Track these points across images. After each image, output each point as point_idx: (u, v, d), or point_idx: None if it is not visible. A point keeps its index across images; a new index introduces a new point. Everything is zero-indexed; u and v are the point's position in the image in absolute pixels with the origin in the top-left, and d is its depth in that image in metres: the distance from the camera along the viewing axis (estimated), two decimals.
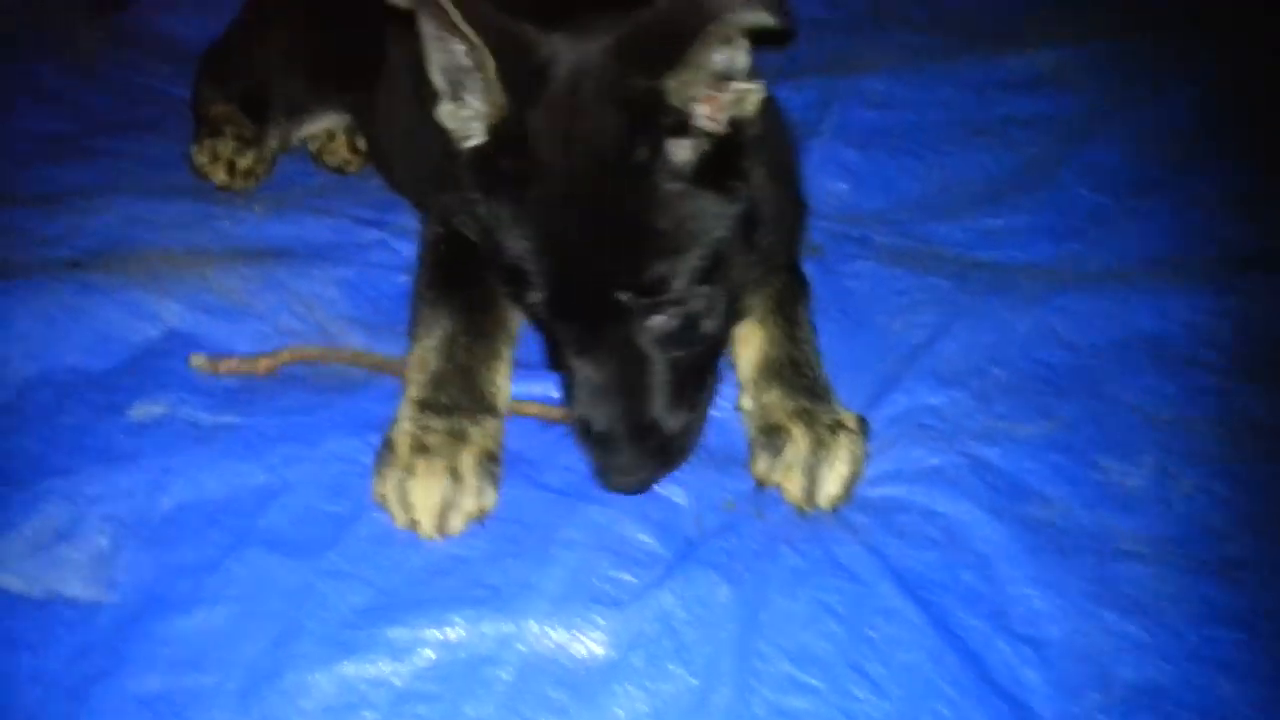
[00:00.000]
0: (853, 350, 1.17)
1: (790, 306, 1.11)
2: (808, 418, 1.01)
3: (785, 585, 0.91)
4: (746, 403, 1.07)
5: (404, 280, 1.26)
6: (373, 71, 1.40)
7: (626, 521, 0.96)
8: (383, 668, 0.84)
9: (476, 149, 0.96)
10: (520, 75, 0.90)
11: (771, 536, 0.96)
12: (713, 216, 0.92)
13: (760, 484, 1.01)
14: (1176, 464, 1.04)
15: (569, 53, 0.92)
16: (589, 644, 0.87)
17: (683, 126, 0.89)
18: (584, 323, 0.95)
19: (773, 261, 1.09)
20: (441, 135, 0.99)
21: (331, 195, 1.46)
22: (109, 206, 1.35)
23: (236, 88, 1.50)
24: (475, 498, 0.94)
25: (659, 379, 0.95)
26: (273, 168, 1.49)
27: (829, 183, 1.48)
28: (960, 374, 1.13)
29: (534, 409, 1.04)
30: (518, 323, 1.07)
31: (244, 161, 1.43)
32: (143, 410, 1.05)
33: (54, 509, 0.97)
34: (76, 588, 0.92)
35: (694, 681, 0.84)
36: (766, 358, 1.07)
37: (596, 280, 0.91)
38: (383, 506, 0.94)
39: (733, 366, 1.10)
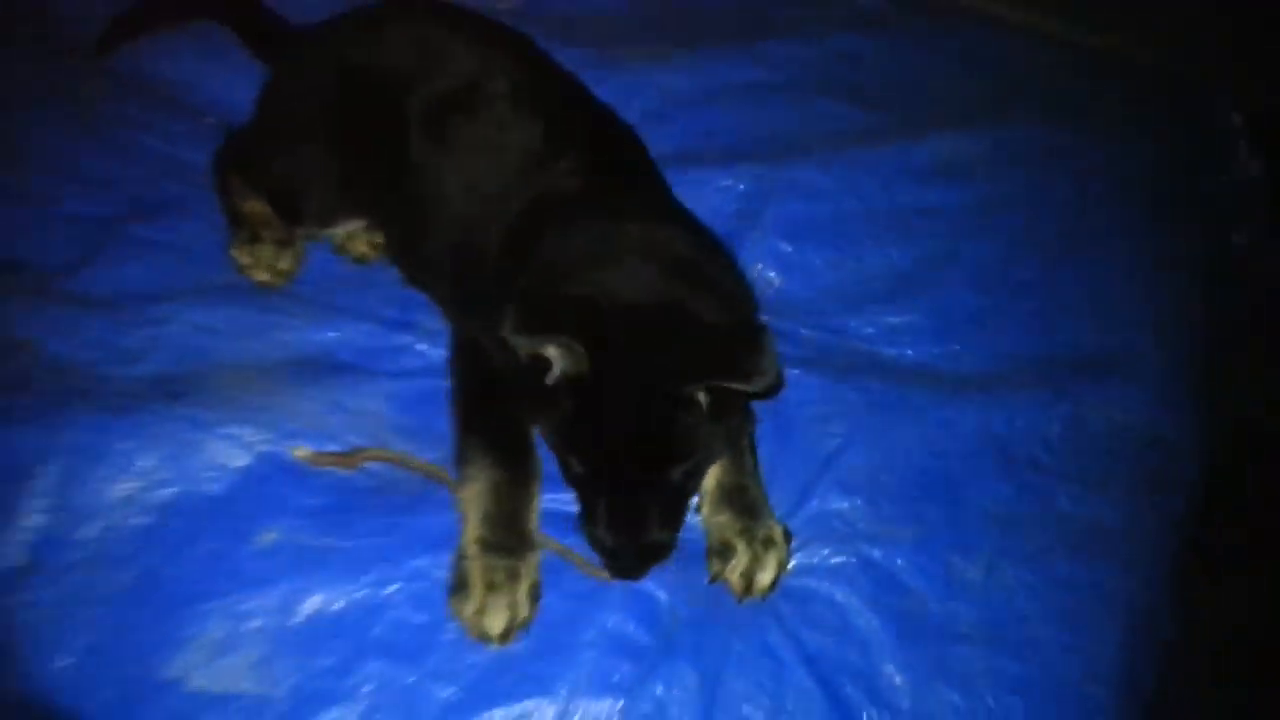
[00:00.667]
0: (781, 456, 1.58)
1: (746, 442, 1.52)
2: (748, 535, 1.44)
3: (734, 668, 1.36)
4: (705, 513, 1.49)
5: (433, 384, 1.61)
6: (395, 186, 1.67)
7: (627, 620, 1.39)
8: None
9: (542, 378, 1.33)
10: (594, 347, 1.28)
11: (726, 626, 1.41)
12: (715, 435, 1.35)
13: (713, 579, 1.45)
14: (1002, 559, 1.51)
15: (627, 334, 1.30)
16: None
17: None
18: (615, 494, 1.35)
19: None
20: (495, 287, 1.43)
21: (359, 290, 1.73)
22: (176, 315, 1.61)
23: (267, 189, 1.74)
24: (527, 616, 1.35)
25: (661, 514, 1.36)
26: (303, 260, 1.76)
27: (766, 272, 1.83)
28: (859, 483, 1.56)
29: (555, 545, 1.44)
30: (542, 468, 1.45)
31: (283, 264, 1.70)
32: (264, 537, 1.41)
33: (215, 625, 1.34)
34: (248, 685, 1.33)
35: None
36: (720, 485, 1.49)
37: (629, 477, 1.33)
38: (459, 621, 1.35)
39: None
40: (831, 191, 1.91)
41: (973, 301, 1.81)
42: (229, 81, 1.98)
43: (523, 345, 1.32)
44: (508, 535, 1.37)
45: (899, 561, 1.49)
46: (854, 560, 1.49)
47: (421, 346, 1.67)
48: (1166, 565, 1.55)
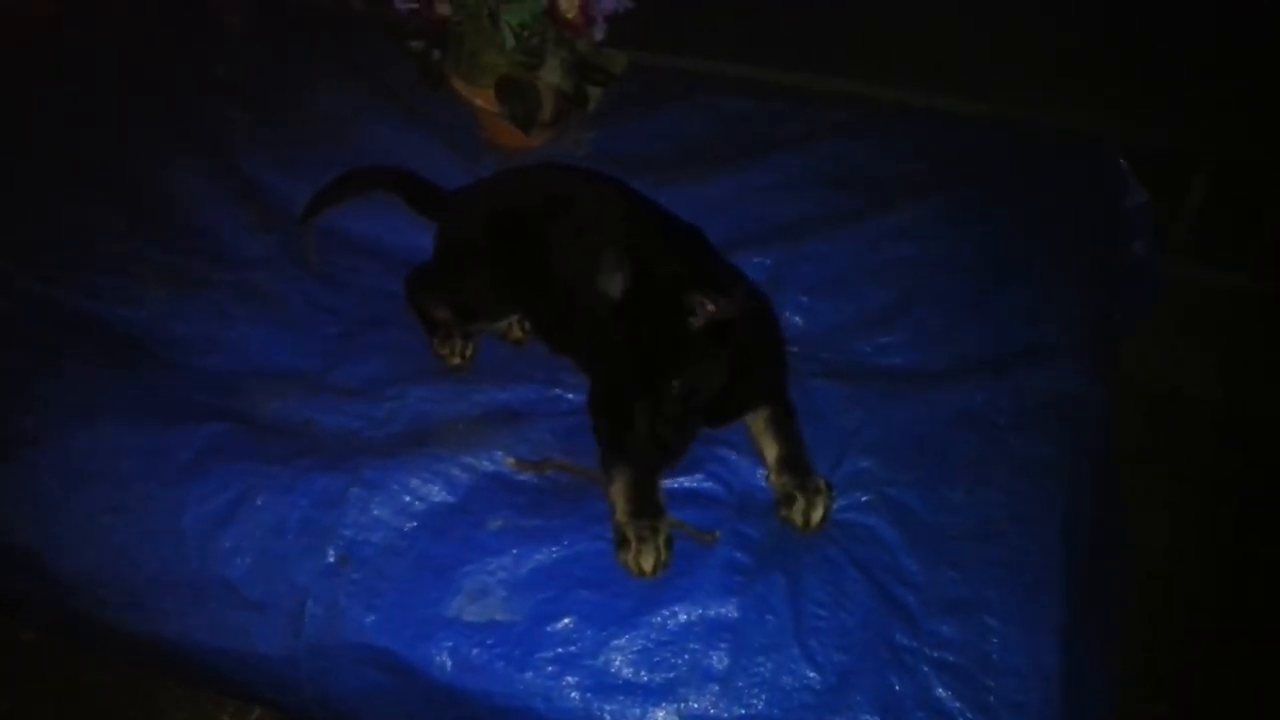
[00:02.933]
0: (819, 436, 2.31)
1: (789, 425, 2.27)
2: (802, 488, 2.15)
3: (808, 573, 2.05)
4: (772, 478, 2.24)
5: (579, 420, 2.37)
6: (541, 290, 2.48)
7: (733, 551, 2.11)
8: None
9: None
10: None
11: (799, 548, 2.12)
12: (712, 356, 1.97)
13: (783, 521, 2.19)
14: (975, 485, 2.23)
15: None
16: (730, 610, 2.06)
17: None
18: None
19: (771, 385, 2.26)
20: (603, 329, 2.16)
21: (519, 364, 2.53)
22: (406, 393, 2.40)
23: (449, 302, 2.56)
24: (666, 557, 2.06)
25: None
26: (479, 348, 2.57)
27: (792, 318, 2.61)
28: (875, 449, 2.30)
29: (673, 520, 2.15)
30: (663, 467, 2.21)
31: (469, 352, 2.50)
32: (493, 524, 2.17)
33: (471, 581, 2.05)
34: (500, 616, 2.08)
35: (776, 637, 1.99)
36: (779, 457, 2.21)
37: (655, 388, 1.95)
38: (625, 565, 2.06)
39: (761, 459, 2.27)
40: (834, 256, 2.67)
41: (940, 321, 2.56)
42: (406, 235, 2.83)
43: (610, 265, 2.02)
44: (645, 506, 2.08)
45: (907, 495, 2.21)
46: (877, 498, 2.19)
47: (570, 396, 2.44)
48: (1089, 478, 2.28)
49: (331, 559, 2.09)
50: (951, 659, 1.96)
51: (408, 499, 2.20)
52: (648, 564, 2.04)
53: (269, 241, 2.80)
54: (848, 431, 2.34)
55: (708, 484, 2.24)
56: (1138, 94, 3.09)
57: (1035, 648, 1.97)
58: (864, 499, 2.22)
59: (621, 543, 2.06)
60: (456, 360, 2.51)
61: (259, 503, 2.16)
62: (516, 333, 2.61)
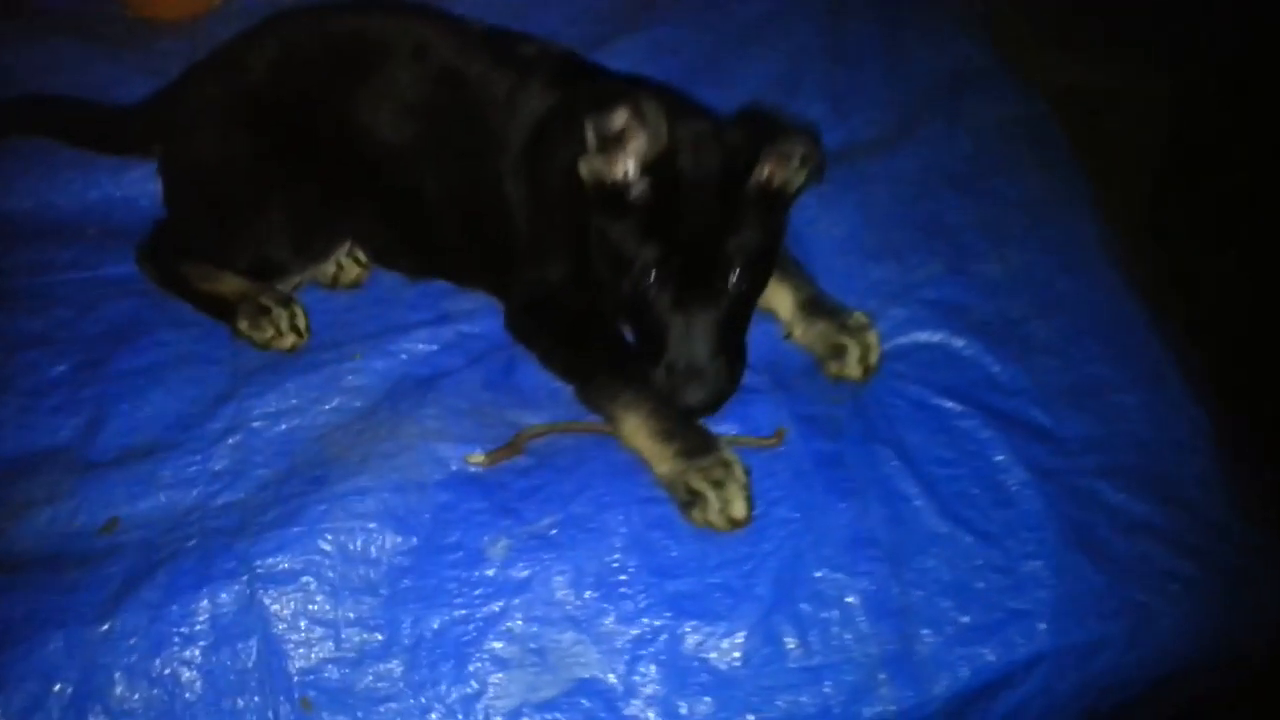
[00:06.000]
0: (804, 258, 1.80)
1: (790, 259, 1.71)
2: (847, 331, 1.64)
3: (910, 428, 1.59)
4: (799, 332, 1.69)
5: (505, 355, 1.65)
6: (374, 190, 1.64)
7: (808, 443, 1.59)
8: None
9: (616, 184, 1.44)
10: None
11: (874, 404, 1.64)
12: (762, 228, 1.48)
13: (835, 380, 1.66)
14: (1005, 250, 1.85)
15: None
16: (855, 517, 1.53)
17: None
18: (686, 288, 1.45)
19: None
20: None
21: (376, 312, 1.72)
22: (244, 414, 1.54)
23: (236, 259, 1.64)
24: (750, 492, 1.45)
25: (727, 327, 1.48)
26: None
27: None
28: (879, 250, 1.83)
29: (744, 441, 1.55)
30: None
31: (300, 320, 1.63)
32: (495, 547, 1.44)
33: (502, 646, 1.37)
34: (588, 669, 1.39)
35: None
36: (799, 304, 1.68)
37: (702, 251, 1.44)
38: (708, 526, 1.43)
39: (771, 314, 1.71)
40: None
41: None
42: (87, 188, 1.78)
43: (600, 129, 1.40)
44: (693, 437, 1.47)
45: (944, 290, 1.78)
46: (919, 306, 1.76)
47: (470, 329, 1.70)
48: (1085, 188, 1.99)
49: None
50: (1110, 461, 1.59)
51: (349, 572, 1.41)
52: (740, 510, 1.44)
53: None
54: (838, 240, 1.82)
55: None
56: None
57: (1175, 403, 1.66)
58: (902, 314, 1.74)
59: (688, 498, 1.45)
60: (289, 338, 1.64)
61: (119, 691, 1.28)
62: (354, 270, 1.76)
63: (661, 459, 1.47)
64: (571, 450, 1.56)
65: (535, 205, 1.59)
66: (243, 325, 1.62)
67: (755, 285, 1.53)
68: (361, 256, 1.76)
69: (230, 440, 1.52)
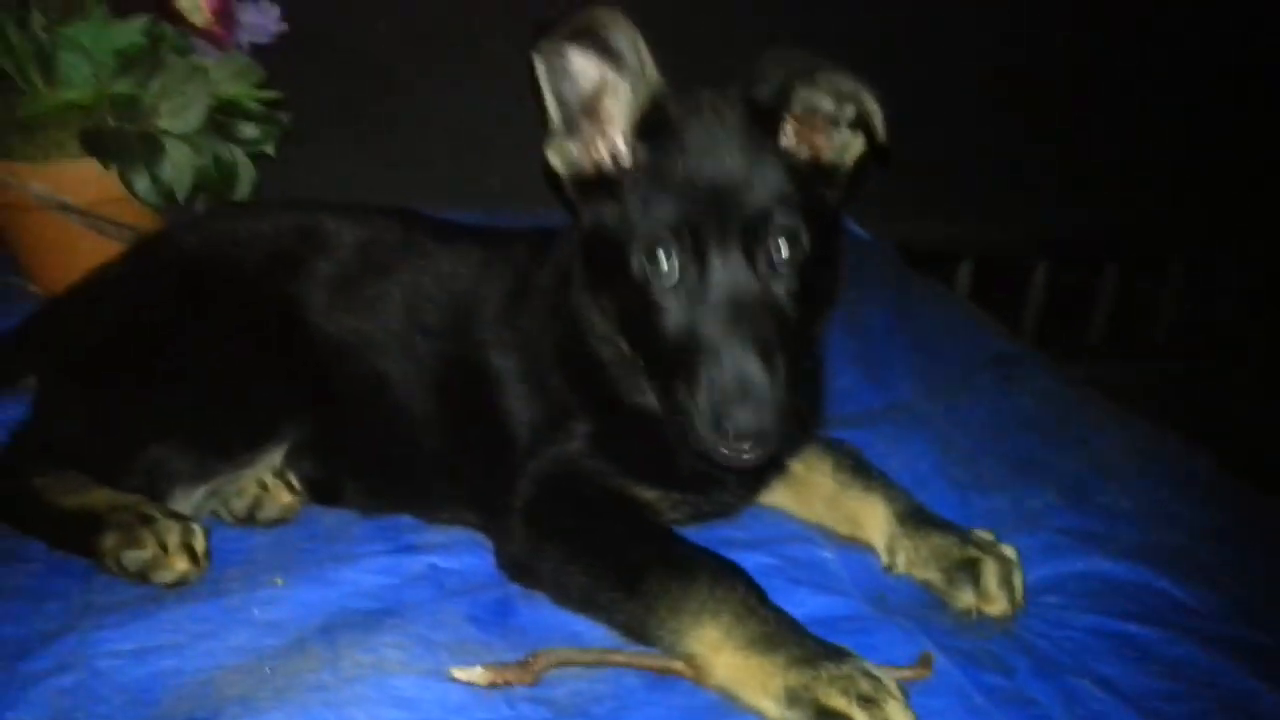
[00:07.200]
0: None
1: (869, 465, 1.30)
2: (977, 544, 1.20)
3: (1096, 656, 1.11)
4: (904, 556, 1.23)
5: (499, 593, 1.13)
6: (318, 381, 1.23)
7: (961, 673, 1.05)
8: None
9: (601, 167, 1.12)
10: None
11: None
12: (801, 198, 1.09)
13: (975, 612, 1.17)
14: (1118, 487, 1.47)
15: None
16: None
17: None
18: (714, 268, 1.06)
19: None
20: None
21: (315, 547, 1.19)
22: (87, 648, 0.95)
23: (118, 469, 1.15)
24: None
25: (773, 341, 1.05)
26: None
27: None
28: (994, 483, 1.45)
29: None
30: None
31: (198, 542, 1.10)
32: None
33: None
34: None
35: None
36: (899, 518, 1.26)
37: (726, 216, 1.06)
38: None
39: (861, 541, 1.27)
40: None
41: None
42: None
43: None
44: (809, 641, 0.99)
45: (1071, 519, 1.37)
46: (1057, 535, 1.33)
47: (446, 563, 1.19)
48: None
49: None
50: None
51: None
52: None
53: None
54: (922, 474, 1.45)
55: (809, 594, 1.19)
56: None
57: None
58: (1033, 542, 1.30)
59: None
60: (181, 562, 1.09)
61: None
62: (283, 495, 1.24)
63: (768, 674, 0.97)
64: (610, 698, 0.99)
65: (532, 367, 1.21)
66: (110, 543, 1.07)
67: (812, 287, 1.11)
68: (294, 481, 1.27)
69: (57, 683, 0.91)
